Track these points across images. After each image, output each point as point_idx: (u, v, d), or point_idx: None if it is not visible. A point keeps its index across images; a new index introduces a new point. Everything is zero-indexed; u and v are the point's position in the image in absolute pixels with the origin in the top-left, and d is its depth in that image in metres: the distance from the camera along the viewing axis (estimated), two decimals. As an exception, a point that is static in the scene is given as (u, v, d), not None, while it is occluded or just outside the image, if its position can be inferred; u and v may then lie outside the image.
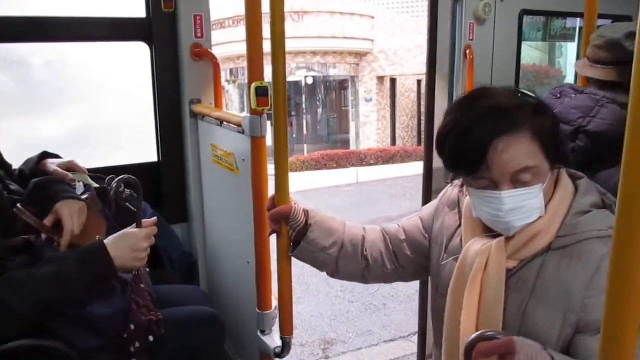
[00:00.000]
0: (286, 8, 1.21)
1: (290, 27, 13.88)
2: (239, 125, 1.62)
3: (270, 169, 1.33)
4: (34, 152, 1.65)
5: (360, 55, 18.77)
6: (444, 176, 2.43)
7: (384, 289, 4.97)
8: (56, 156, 1.67)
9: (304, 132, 20.44)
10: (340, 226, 1.32)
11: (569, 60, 4.77)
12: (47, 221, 1.37)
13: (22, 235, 1.36)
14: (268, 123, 1.46)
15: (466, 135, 1.01)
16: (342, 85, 20.25)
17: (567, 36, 3.44)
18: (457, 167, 1.06)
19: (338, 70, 19.05)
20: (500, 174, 1.00)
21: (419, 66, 17.97)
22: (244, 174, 1.65)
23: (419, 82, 21.03)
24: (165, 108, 2.14)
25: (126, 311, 1.38)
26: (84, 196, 1.50)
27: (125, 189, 1.61)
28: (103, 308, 1.36)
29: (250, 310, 1.68)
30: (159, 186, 2.20)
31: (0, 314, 1.17)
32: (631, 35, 1.67)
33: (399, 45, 18.36)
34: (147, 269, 1.62)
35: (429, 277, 1.34)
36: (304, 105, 20.29)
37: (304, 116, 20.50)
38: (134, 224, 1.40)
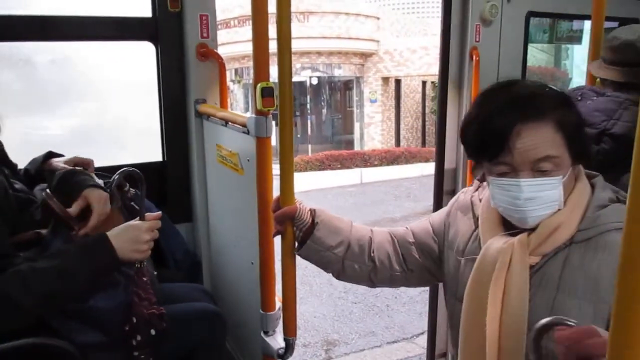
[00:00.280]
0: (292, 9, 1.21)
1: (295, 28, 13.84)
2: (244, 125, 1.62)
3: (275, 169, 1.33)
4: (39, 151, 1.65)
5: (365, 56, 18.77)
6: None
7: (387, 290, 4.95)
8: (61, 156, 1.67)
9: (309, 132, 20.45)
10: (347, 226, 1.32)
11: (575, 62, 4.76)
12: (76, 205, 1.38)
13: (33, 230, 1.37)
14: (273, 123, 1.46)
15: (491, 120, 1.02)
16: (347, 86, 20.25)
17: (573, 38, 3.42)
18: (480, 151, 1.07)
19: (343, 71, 19.05)
20: (521, 160, 1.00)
21: (425, 67, 17.94)
22: (249, 174, 1.64)
23: (424, 83, 21.00)
24: (170, 108, 2.14)
25: (129, 304, 1.38)
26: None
27: (130, 189, 1.61)
28: (105, 301, 1.35)
29: (254, 311, 1.68)
30: (164, 186, 2.20)
31: (6, 308, 1.17)
32: None
33: (404, 47, 18.35)
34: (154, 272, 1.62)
35: (442, 284, 1.32)
36: (308, 106, 20.29)
37: (309, 117, 20.51)
38: (138, 217, 1.40)
